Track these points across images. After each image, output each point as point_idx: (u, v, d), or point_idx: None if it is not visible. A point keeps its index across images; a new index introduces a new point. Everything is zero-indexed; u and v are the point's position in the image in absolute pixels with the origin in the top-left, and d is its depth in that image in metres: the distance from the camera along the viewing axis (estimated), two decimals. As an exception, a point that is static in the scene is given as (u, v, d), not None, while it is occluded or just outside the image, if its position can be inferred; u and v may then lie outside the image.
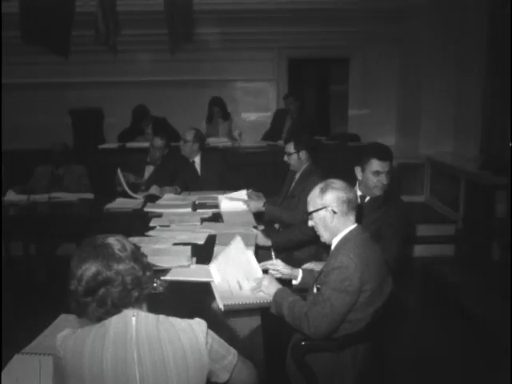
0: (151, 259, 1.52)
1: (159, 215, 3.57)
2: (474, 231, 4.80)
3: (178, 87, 6.99)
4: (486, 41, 5.49)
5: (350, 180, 2.72)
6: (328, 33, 6.89)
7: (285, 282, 2.34)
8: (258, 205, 3.51)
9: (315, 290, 2.08)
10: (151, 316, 1.38)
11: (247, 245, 2.77)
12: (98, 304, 1.33)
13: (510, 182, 4.10)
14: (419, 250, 5.15)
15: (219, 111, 6.02)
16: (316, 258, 2.81)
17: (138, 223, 3.45)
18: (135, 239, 2.83)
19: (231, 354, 1.46)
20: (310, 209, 2.13)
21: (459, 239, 5.13)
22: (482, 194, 4.66)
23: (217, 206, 3.70)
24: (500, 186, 4.39)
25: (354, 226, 2.09)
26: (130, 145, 5.59)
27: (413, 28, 6.52)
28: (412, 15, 6.46)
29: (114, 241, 1.38)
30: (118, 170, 4.22)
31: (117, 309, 1.35)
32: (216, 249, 2.75)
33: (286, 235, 3.22)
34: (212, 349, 1.40)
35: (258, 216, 3.50)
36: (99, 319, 1.36)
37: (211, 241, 2.94)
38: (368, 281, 1.95)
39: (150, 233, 3.12)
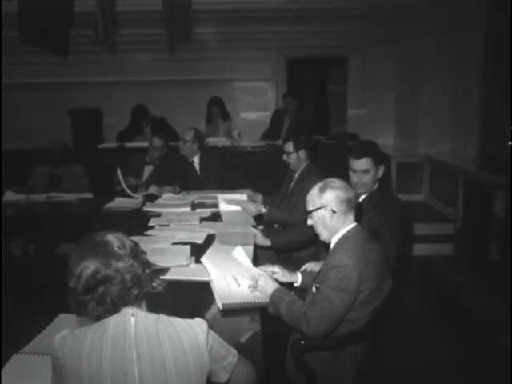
0: (150, 258, 1.51)
1: (158, 215, 3.58)
2: (473, 230, 4.81)
3: (176, 87, 7.00)
4: (484, 41, 5.50)
5: (349, 179, 2.73)
6: (327, 32, 6.90)
7: (285, 283, 2.34)
8: (259, 208, 3.47)
9: (314, 289, 2.08)
10: (151, 315, 1.38)
11: (246, 244, 2.78)
12: (98, 302, 1.33)
13: (510, 181, 4.10)
14: (418, 249, 5.15)
15: (218, 111, 6.02)
16: (315, 257, 2.81)
17: (137, 223, 3.46)
18: (134, 239, 2.82)
19: (231, 355, 1.46)
20: (310, 208, 2.13)
21: (458, 238, 5.13)
22: (481, 193, 4.66)
23: (216, 206, 3.70)
24: (498, 185, 4.39)
25: (353, 225, 2.09)
26: (129, 144, 5.60)
27: (412, 28, 6.53)
28: (411, 15, 6.46)
29: (113, 238, 1.38)
30: (118, 170, 4.22)
31: (116, 307, 1.35)
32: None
33: (285, 235, 3.20)
34: (212, 349, 1.40)
35: (258, 217, 3.49)
36: (99, 318, 1.35)
37: (210, 240, 2.94)
38: (367, 280, 1.95)
39: (149, 232, 3.12)
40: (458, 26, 5.86)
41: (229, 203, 3.59)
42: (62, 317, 2.04)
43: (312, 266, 2.58)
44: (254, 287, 2.19)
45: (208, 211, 3.63)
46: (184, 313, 1.48)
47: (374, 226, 2.63)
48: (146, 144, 4.88)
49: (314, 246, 3.03)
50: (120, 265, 1.33)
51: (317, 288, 2.05)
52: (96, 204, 4.03)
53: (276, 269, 2.35)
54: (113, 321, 1.34)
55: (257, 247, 2.95)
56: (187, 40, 6.44)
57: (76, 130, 6.17)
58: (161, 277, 2.37)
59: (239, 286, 2.25)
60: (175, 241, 2.92)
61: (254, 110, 7.34)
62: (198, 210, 3.70)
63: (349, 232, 2.07)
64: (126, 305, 1.36)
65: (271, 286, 2.14)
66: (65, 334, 1.36)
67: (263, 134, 6.20)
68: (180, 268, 2.51)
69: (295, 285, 2.39)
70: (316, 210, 2.10)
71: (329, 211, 2.06)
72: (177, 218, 3.43)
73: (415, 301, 4.22)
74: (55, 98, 6.78)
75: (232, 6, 6.39)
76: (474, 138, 5.68)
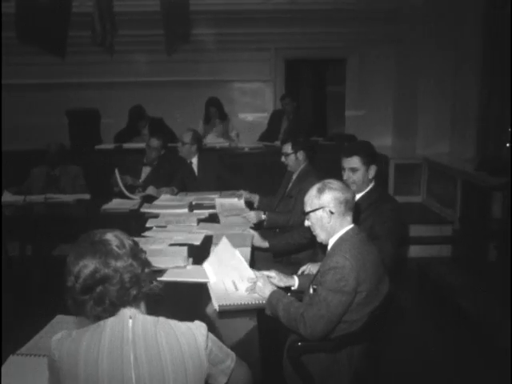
0: (147, 259, 1.50)
1: (156, 216, 3.57)
2: (471, 232, 4.81)
3: (174, 88, 6.99)
4: (482, 42, 5.51)
5: (346, 180, 2.73)
6: (325, 33, 6.90)
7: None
8: (259, 215, 3.41)
9: (311, 291, 2.08)
10: (149, 318, 1.37)
11: (243, 245, 2.77)
12: (96, 302, 1.32)
13: (510, 182, 4.09)
14: (416, 251, 5.15)
15: (216, 112, 6.01)
16: (312, 259, 2.81)
17: (135, 224, 3.46)
18: (132, 240, 2.82)
19: (230, 358, 1.45)
20: (308, 209, 2.12)
21: (456, 240, 5.13)
22: (479, 194, 4.66)
23: (213, 207, 3.69)
24: (497, 186, 4.39)
25: (351, 226, 2.08)
26: (127, 145, 5.59)
27: (410, 29, 6.53)
28: (409, 16, 6.47)
29: (112, 237, 1.36)
30: (116, 171, 4.21)
31: (115, 307, 1.33)
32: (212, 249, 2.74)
33: (284, 238, 3.16)
34: (211, 352, 1.39)
35: (259, 223, 3.42)
36: (97, 318, 1.34)
37: (208, 241, 2.93)
38: (364, 281, 1.94)
39: (147, 233, 3.12)
40: (457, 27, 5.86)
41: (228, 213, 3.53)
42: (59, 318, 2.03)
43: (310, 268, 2.57)
44: (252, 289, 2.18)
45: (205, 212, 3.63)
46: (181, 314, 1.48)
47: (370, 225, 2.63)
48: (143, 145, 4.87)
49: (312, 248, 3.02)
50: (119, 264, 1.31)
51: (314, 289, 2.05)
52: (93, 205, 4.03)
53: (272, 273, 2.33)
54: (110, 323, 1.33)
55: (254, 249, 2.94)
56: (185, 41, 6.44)
57: (73, 130, 6.15)
58: (158, 278, 2.36)
59: (237, 290, 2.25)
60: (172, 242, 2.92)
61: (251, 111, 7.34)
62: (195, 211, 3.69)
63: (346, 233, 2.07)
64: (124, 305, 1.35)
65: (269, 288, 2.14)
66: (61, 336, 1.35)
67: (261, 136, 6.19)
68: (177, 269, 2.50)
69: (292, 288, 2.38)
70: (314, 211, 2.09)
71: (327, 212, 2.06)
72: (174, 220, 3.42)
73: (413, 302, 4.22)
74: (53, 98, 6.77)
75: (230, 7, 6.39)
76: (472, 139, 5.68)
